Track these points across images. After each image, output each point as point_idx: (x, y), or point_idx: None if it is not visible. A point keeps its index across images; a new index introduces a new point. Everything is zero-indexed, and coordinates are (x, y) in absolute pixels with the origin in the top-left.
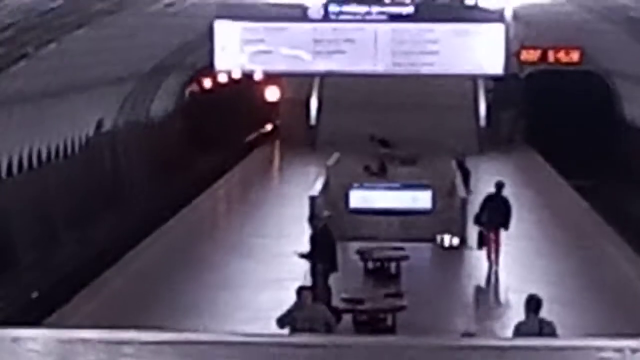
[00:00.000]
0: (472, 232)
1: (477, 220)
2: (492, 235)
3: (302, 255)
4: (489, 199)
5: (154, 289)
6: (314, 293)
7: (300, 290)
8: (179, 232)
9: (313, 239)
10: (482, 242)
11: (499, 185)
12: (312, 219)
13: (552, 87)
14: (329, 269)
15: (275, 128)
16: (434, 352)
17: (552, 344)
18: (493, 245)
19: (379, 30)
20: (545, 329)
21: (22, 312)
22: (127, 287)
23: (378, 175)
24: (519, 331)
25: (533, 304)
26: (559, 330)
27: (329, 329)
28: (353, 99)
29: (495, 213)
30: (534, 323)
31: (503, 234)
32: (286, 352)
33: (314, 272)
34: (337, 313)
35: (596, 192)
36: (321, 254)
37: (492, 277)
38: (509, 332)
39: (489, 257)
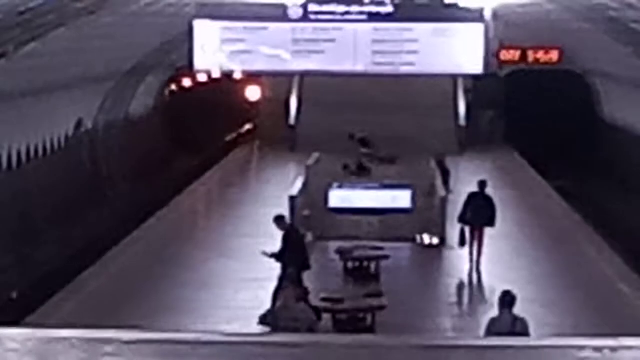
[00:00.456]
0: (452, 232)
1: (462, 218)
2: (476, 233)
3: (271, 255)
4: (472, 197)
5: (133, 288)
6: (280, 293)
7: (283, 290)
8: (158, 232)
9: (284, 239)
10: (463, 241)
11: (482, 184)
12: (291, 218)
13: (532, 86)
14: (301, 268)
15: (255, 127)
16: (413, 351)
17: (532, 343)
18: (476, 244)
19: (359, 29)
20: (518, 325)
21: (2, 312)
22: (107, 287)
23: (357, 175)
24: (493, 326)
25: (507, 299)
26: (539, 331)
27: (311, 329)
28: (333, 98)
29: (479, 211)
30: (507, 319)
31: (486, 232)
32: (266, 351)
33: (284, 272)
34: (317, 312)
35: (576, 191)
36: (291, 254)
37: (475, 275)
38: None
39: (471, 255)
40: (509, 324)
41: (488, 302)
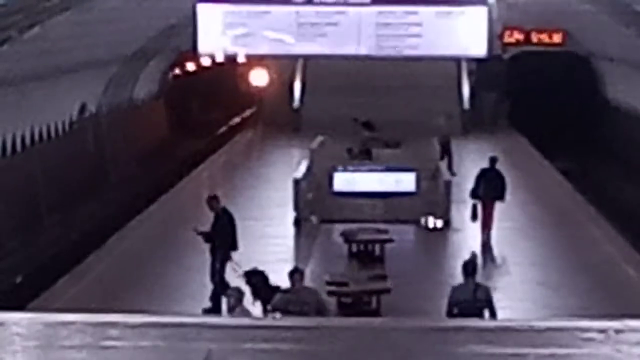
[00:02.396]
0: (456, 214)
1: (474, 193)
2: (487, 208)
3: (201, 233)
4: (483, 173)
5: (137, 272)
6: (213, 271)
7: (292, 273)
8: (162, 216)
9: (214, 220)
10: (475, 215)
11: (493, 160)
12: (295, 201)
13: (536, 69)
14: (229, 248)
15: (259, 110)
16: (418, 333)
17: (537, 325)
18: (488, 217)
19: (362, 13)
20: (479, 292)
21: (7, 296)
22: (110, 271)
23: (361, 157)
24: (455, 293)
25: (470, 267)
26: (543, 312)
27: (320, 312)
28: (336, 82)
29: (490, 186)
30: (470, 286)
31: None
32: (271, 334)
33: (213, 252)
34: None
35: (580, 173)
36: (220, 235)
37: (486, 248)
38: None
39: (483, 229)
40: (471, 290)
41: (498, 271)
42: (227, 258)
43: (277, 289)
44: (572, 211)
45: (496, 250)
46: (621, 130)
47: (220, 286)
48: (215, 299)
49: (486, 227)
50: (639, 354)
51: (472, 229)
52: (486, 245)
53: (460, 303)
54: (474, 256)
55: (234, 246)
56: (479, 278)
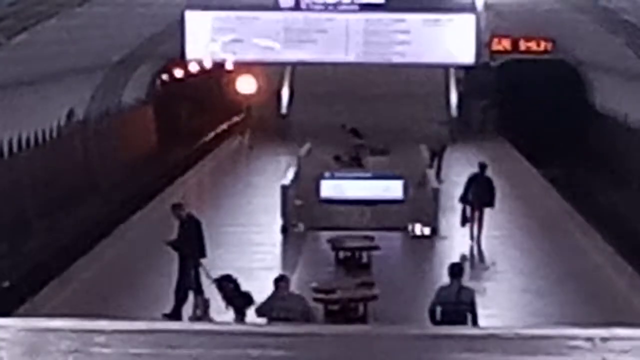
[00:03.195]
0: (444, 222)
1: (463, 198)
2: (476, 213)
3: (170, 243)
4: (473, 178)
5: (124, 279)
6: (183, 281)
7: (278, 280)
8: (150, 222)
9: (180, 228)
10: (465, 220)
11: (482, 166)
12: (283, 208)
13: (524, 76)
14: (199, 256)
15: (247, 117)
16: (405, 341)
17: (523, 333)
18: (477, 223)
19: (350, 20)
20: (463, 293)
21: None
22: (97, 278)
23: (349, 165)
24: (440, 293)
25: (455, 270)
26: (530, 320)
27: (306, 319)
28: (324, 89)
29: (479, 192)
30: (455, 287)
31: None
32: (258, 341)
33: (182, 260)
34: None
35: (567, 181)
36: (187, 243)
37: (475, 252)
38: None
39: (471, 233)
40: (455, 291)
41: (483, 288)
42: (197, 265)
43: (247, 295)
44: (559, 219)
45: (484, 258)
46: (609, 139)
47: (197, 292)
48: (178, 304)
49: (476, 232)
50: None
51: (459, 237)
52: (475, 251)
53: (443, 304)
54: (463, 258)
55: (202, 253)
56: (467, 284)
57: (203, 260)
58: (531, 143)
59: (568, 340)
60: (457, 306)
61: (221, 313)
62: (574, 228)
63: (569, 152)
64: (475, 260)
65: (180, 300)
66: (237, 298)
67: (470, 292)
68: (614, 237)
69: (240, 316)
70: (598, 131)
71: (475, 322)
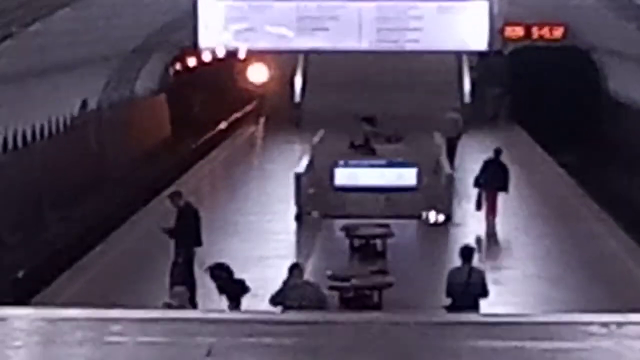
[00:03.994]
0: (458, 209)
1: (477, 182)
2: (490, 198)
3: (166, 230)
4: (487, 163)
5: (138, 268)
6: (176, 269)
7: (292, 269)
8: (164, 211)
9: (178, 216)
10: (480, 204)
11: (497, 151)
12: (297, 196)
13: (537, 63)
14: (193, 244)
15: (260, 105)
16: (419, 328)
17: (539, 319)
18: (491, 207)
19: (363, 7)
20: (474, 275)
21: (9, 292)
22: (112, 267)
23: (364, 153)
24: (452, 275)
25: (466, 253)
26: (545, 307)
27: (321, 306)
28: (337, 76)
29: (494, 176)
30: (466, 269)
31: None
32: (273, 329)
33: (178, 248)
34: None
35: (581, 168)
36: (184, 231)
37: (491, 235)
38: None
39: (487, 217)
40: (466, 273)
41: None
42: (192, 254)
43: (241, 283)
44: (573, 205)
45: (498, 244)
46: (623, 124)
47: (189, 281)
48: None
49: (490, 216)
50: None
51: (474, 224)
52: (490, 234)
53: (455, 285)
54: (478, 240)
55: (197, 242)
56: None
57: (198, 250)
58: (545, 130)
59: (583, 326)
60: (467, 287)
61: (215, 302)
62: (588, 214)
63: (583, 138)
64: (490, 244)
65: (191, 287)
66: (231, 286)
67: (481, 274)
68: (628, 223)
69: (234, 304)
70: (612, 117)
71: (484, 296)
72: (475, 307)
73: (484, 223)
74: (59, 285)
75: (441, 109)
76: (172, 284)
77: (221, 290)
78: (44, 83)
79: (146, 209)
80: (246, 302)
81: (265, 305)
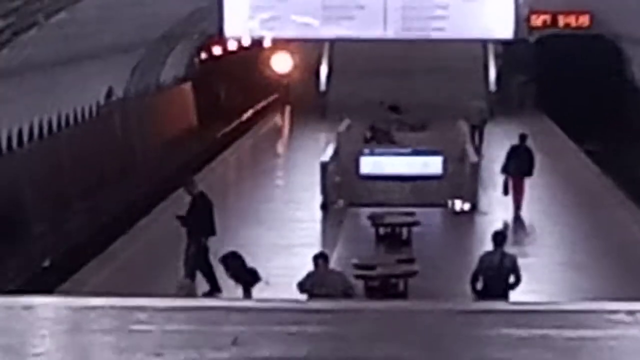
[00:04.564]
0: (483, 197)
1: (505, 169)
2: (517, 183)
3: (179, 218)
4: (513, 149)
5: (164, 257)
6: (189, 258)
7: (317, 258)
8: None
9: (191, 204)
10: (507, 190)
11: (523, 137)
12: (322, 184)
13: (562, 51)
14: (207, 234)
15: (285, 94)
16: (445, 316)
17: (564, 307)
18: (518, 192)
19: None
20: (506, 260)
21: (35, 280)
22: (138, 256)
23: (383, 135)
24: (483, 260)
25: (499, 238)
26: (571, 295)
27: (347, 295)
28: (363, 65)
29: (520, 162)
30: (498, 254)
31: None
32: (298, 317)
33: (189, 237)
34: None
35: (607, 156)
36: (197, 219)
37: (517, 220)
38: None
39: (515, 202)
40: (498, 258)
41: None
42: (203, 244)
43: (254, 272)
44: (599, 194)
45: (524, 231)
46: None
47: (207, 269)
48: (209, 280)
49: (517, 200)
50: None
51: (499, 212)
52: (517, 219)
53: (487, 269)
54: (505, 226)
55: (212, 231)
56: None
57: (218, 238)
58: (570, 117)
59: (609, 314)
60: (499, 271)
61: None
62: (614, 202)
63: (608, 126)
64: (516, 231)
65: (208, 274)
66: (244, 275)
67: (512, 258)
68: None
69: (247, 293)
70: (637, 105)
71: (517, 284)
72: (506, 291)
73: (511, 209)
74: (85, 274)
75: (467, 97)
76: (187, 273)
77: (235, 278)
78: (70, 72)
79: (172, 197)
80: (271, 290)
81: (289, 293)
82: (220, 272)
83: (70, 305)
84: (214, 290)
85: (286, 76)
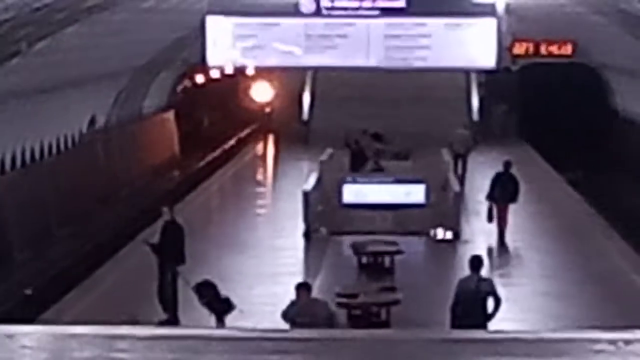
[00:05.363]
0: (466, 226)
1: (490, 196)
2: (501, 209)
3: (150, 245)
4: (498, 176)
5: (146, 285)
6: (162, 285)
7: (299, 287)
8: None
9: (162, 232)
10: (491, 216)
11: (507, 164)
12: (305, 213)
13: (545, 80)
14: (177, 262)
15: (268, 123)
16: (428, 345)
17: (546, 336)
18: (502, 218)
19: (371, 24)
20: (482, 284)
21: (17, 309)
22: (120, 284)
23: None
24: (461, 284)
25: (475, 263)
26: (553, 323)
27: (330, 324)
28: (346, 94)
29: (505, 189)
30: (474, 279)
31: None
32: (280, 346)
33: (161, 264)
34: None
35: (590, 184)
36: (168, 247)
37: (501, 246)
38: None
39: (499, 228)
40: (475, 282)
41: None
42: (175, 270)
43: (227, 300)
44: (582, 223)
45: (507, 260)
46: (631, 142)
47: (172, 299)
48: (170, 311)
49: (501, 228)
50: None
51: (482, 241)
52: (501, 245)
53: (464, 293)
54: (489, 252)
55: (181, 259)
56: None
57: (181, 268)
58: (553, 146)
59: (591, 343)
60: (476, 295)
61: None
62: (596, 231)
63: (591, 155)
64: (499, 259)
65: (173, 304)
66: (217, 303)
67: (490, 282)
68: (636, 240)
69: (220, 322)
70: (620, 135)
71: (498, 307)
72: (484, 316)
73: (494, 237)
74: (67, 302)
75: (450, 126)
76: (161, 301)
77: (208, 307)
78: (52, 100)
79: (155, 226)
80: (254, 319)
81: (272, 321)
82: (194, 300)
83: (52, 334)
84: (172, 320)
85: (267, 105)
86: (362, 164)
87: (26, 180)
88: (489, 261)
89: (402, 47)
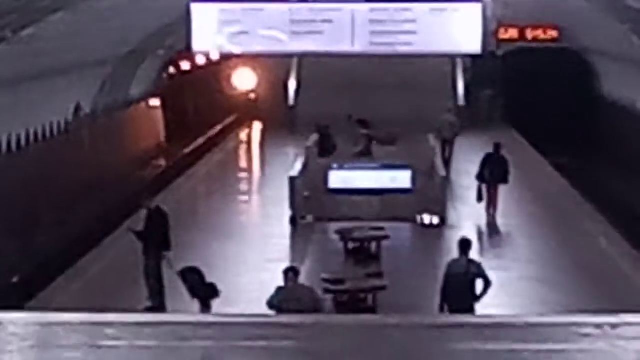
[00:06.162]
0: (452, 211)
1: (479, 177)
2: (491, 190)
3: (135, 232)
4: (488, 157)
5: (133, 272)
6: (147, 271)
7: (287, 272)
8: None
9: (147, 219)
10: (480, 197)
11: (497, 145)
12: (291, 199)
13: (531, 65)
14: (162, 248)
15: (254, 109)
16: (414, 330)
17: (533, 321)
18: (492, 199)
19: (356, 10)
20: (472, 267)
21: (3, 297)
22: (107, 271)
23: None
24: (451, 267)
25: (464, 245)
26: (540, 308)
27: (316, 310)
28: (331, 79)
29: (494, 170)
30: (464, 261)
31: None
32: (267, 332)
33: (146, 251)
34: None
35: (575, 169)
36: (152, 234)
37: (492, 226)
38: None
39: (487, 210)
40: (464, 265)
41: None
42: (160, 257)
43: (212, 286)
44: (568, 207)
45: (499, 232)
46: (617, 126)
47: (158, 285)
48: (156, 298)
49: (491, 207)
50: (635, 349)
51: (468, 226)
52: (492, 224)
53: (453, 276)
54: (478, 234)
55: (166, 246)
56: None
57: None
58: (539, 131)
59: (577, 327)
60: (465, 277)
61: (185, 305)
62: (583, 216)
63: (577, 140)
64: (492, 233)
65: (159, 289)
66: (202, 289)
67: (478, 264)
68: (622, 225)
69: (205, 308)
70: (606, 119)
71: (487, 288)
72: (473, 298)
73: (483, 221)
74: (54, 290)
75: (436, 111)
76: (149, 288)
77: (193, 293)
78: (37, 87)
79: (141, 213)
80: (242, 306)
81: (260, 308)
82: (180, 287)
83: (38, 321)
84: (158, 307)
85: (251, 92)
86: (330, 151)
87: (12, 168)
88: (479, 245)
89: (387, 32)
